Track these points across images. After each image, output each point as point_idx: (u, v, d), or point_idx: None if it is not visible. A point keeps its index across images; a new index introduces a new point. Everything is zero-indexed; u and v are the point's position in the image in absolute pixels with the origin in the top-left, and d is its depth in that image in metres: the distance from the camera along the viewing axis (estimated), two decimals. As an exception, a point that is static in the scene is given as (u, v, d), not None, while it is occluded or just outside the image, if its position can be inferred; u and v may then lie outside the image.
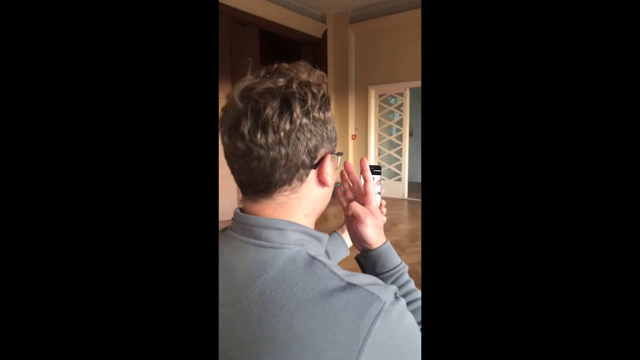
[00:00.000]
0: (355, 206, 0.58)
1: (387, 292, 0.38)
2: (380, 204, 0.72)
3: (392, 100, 5.54)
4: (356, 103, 5.76)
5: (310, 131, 0.44)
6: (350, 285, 0.38)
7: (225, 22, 3.98)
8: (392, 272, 0.57)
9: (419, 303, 0.54)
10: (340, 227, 0.83)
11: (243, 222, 0.46)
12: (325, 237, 0.51)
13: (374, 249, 0.58)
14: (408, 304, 0.52)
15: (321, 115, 0.44)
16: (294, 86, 0.42)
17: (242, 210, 0.48)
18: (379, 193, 0.71)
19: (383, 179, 5.63)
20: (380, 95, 5.60)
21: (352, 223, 0.59)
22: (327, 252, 0.76)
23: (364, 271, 0.58)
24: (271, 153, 0.42)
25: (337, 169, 0.53)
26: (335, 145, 0.50)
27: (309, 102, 0.43)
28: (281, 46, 6.31)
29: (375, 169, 0.70)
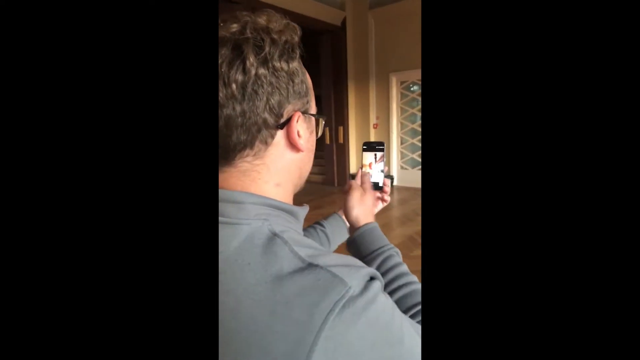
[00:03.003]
0: (352, 182, 0.60)
1: (356, 274, 0.32)
2: (384, 183, 0.67)
3: (415, 87, 5.38)
4: (377, 91, 5.64)
5: (271, 84, 0.37)
6: (310, 267, 0.32)
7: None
8: (373, 255, 0.52)
9: (411, 287, 0.48)
10: (342, 208, 0.79)
11: None
12: (300, 210, 0.44)
13: (356, 230, 0.56)
14: (395, 290, 0.47)
15: (284, 65, 0.38)
16: (248, 31, 0.36)
17: None
18: (382, 171, 0.67)
19: (405, 168, 5.56)
20: (401, 83, 5.45)
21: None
22: (326, 234, 0.73)
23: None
24: (224, 110, 0.36)
25: (313, 132, 0.46)
26: (308, 103, 0.43)
27: (267, 49, 0.36)
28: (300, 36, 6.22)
29: (378, 146, 0.66)
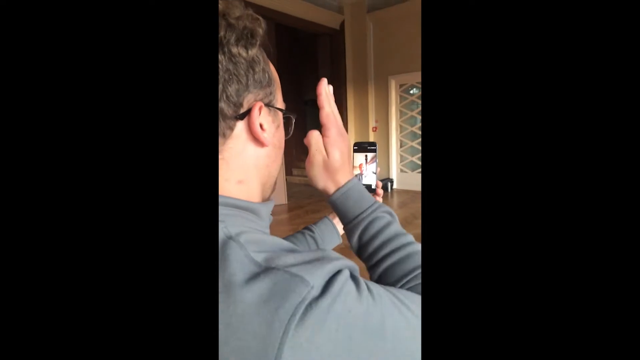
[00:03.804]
0: (311, 142, 0.46)
1: (319, 271, 0.29)
2: (377, 185, 0.65)
3: (414, 90, 5.38)
4: (376, 94, 5.64)
5: (228, 70, 0.35)
6: (267, 271, 0.29)
7: (240, 17, 3.96)
8: (351, 224, 0.46)
9: (405, 252, 0.42)
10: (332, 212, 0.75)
11: None
12: (262, 206, 0.40)
13: (329, 197, 0.47)
14: (383, 258, 0.43)
15: (242, 51, 0.36)
16: None
17: None
18: (374, 173, 0.64)
19: (404, 171, 5.55)
20: (400, 86, 5.45)
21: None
22: (315, 240, 0.68)
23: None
24: None
25: (280, 127, 0.43)
26: (272, 94, 0.40)
27: (222, 33, 0.34)
28: (298, 39, 6.26)
29: (370, 146, 0.64)
